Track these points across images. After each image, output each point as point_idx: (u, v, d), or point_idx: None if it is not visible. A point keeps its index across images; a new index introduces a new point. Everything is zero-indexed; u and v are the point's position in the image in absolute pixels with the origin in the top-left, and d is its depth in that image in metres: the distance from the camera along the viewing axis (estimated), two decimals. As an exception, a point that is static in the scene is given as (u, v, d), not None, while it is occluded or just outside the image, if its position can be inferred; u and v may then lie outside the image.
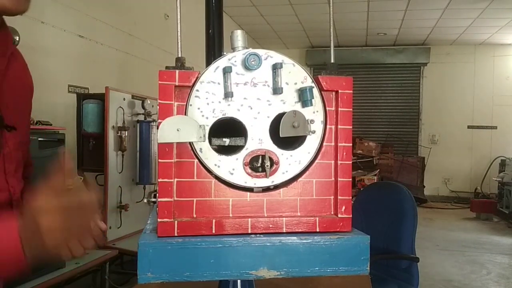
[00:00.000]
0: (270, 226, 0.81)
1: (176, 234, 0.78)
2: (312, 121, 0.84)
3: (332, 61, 0.88)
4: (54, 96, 3.53)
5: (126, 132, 3.49)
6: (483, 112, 9.04)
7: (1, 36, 0.84)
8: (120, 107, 3.52)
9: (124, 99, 3.59)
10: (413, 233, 2.62)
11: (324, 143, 0.86)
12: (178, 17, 0.84)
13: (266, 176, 0.82)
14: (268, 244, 0.78)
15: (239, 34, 0.85)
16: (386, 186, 3.44)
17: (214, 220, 0.80)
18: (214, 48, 2.22)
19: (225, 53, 0.84)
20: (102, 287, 3.20)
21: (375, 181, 8.22)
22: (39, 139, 2.59)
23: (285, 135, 0.79)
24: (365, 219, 2.84)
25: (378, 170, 8.60)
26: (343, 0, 6.54)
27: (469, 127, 9.15)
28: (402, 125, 9.44)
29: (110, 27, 4.26)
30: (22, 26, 2.95)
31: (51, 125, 2.93)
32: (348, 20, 7.61)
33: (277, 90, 0.81)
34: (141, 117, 3.71)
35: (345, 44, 9.32)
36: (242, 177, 0.82)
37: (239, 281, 0.96)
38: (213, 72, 0.80)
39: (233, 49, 0.85)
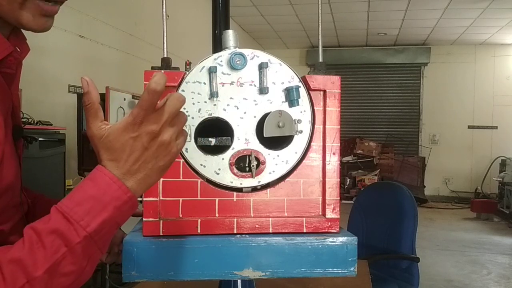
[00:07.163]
0: (257, 226, 0.81)
1: (161, 234, 0.78)
2: (299, 121, 0.83)
3: (320, 60, 0.88)
4: (54, 96, 3.53)
5: (127, 132, 3.49)
6: (484, 112, 9.01)
7: (23, 46, 0.82)
8: (120, 107, 3.52)
9: (124, 99, 3.58)
10: (413, 233, 2.61)
11: (312, 143, 0.85)
12: (164, 16, 0.84)
13: (252, 176, 0.82)
14: (253, 244, 0.78)
15: (230, 34, 0.85)
16: (386, 186, 3.43)
17: (199, 220, 0.80)
18: (221, 48, 2.23)
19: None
20: (103, 287, 3.20)
21: (376, 181, 8.23)
22: (40, 139, 2.60)
23: (270, 135, 0.79)
24: (365, 219, 2.84)
25: (379, 170, 8.59)
26: (343, 0, 6.53)
27: (469, 127, 9.13)
28: (402, 125, 9.42)
29: (110, 27, 4.26)
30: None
31: (51, 125, 2.93)
32: (348, 20, 7.60)
33: (263, 90, 0.81)
34: (141, 117, 3.71)
35: (346, 44, 9.31)
36: (228, 177, 0.81)
37: (239, 281, 0.95)
38: (199, 72, 0.80)
39: (225, 49, 0.85)
